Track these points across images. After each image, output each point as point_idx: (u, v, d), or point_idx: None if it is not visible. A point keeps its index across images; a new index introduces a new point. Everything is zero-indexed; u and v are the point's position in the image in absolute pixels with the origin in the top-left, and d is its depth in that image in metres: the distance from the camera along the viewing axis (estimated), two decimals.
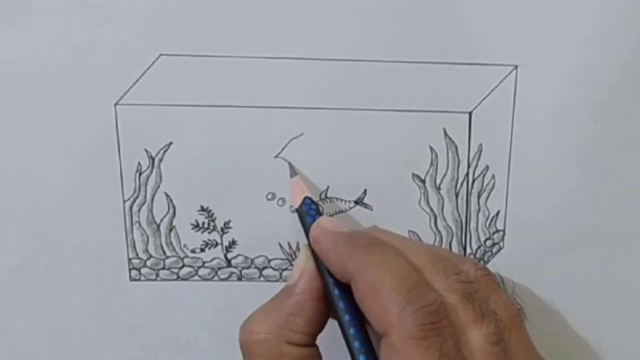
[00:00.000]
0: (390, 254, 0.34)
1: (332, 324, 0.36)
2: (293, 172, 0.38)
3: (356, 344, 0.34)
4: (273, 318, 0.35)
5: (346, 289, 0.35)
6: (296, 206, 0.37)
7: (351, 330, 0.34)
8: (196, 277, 0.41)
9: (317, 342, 0.36)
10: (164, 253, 0.40)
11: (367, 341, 0.34)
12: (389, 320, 0.32)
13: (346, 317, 0.34)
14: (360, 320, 0.34)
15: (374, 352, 0.34)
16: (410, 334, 0.31)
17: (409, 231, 0.40)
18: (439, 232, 0.40)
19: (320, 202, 0.39)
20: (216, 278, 0.41)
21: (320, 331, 0.36)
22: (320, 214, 0.37)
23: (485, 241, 0.40)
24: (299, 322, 0.35)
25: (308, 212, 0.37)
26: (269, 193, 0.39)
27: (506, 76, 0.37)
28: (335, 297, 0.35)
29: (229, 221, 0.40)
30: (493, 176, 0.39)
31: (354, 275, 0.33)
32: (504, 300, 0.35)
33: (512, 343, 0.34)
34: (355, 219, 0.40)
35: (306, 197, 0.37)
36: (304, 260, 0.36)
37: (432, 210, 0.40)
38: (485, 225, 0.40)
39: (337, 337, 0.35)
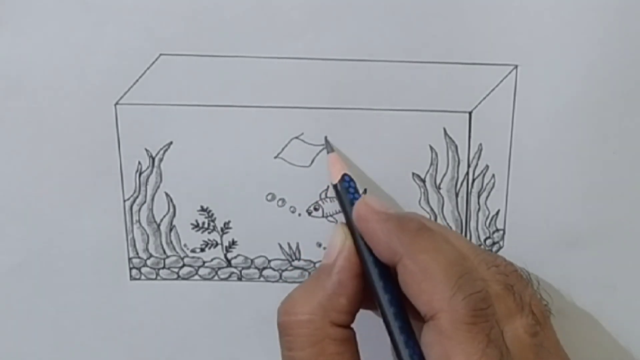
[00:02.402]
0: (440, 240, 0.34)
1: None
2: (330, 147, 0.38)
3: (397, 323, 0.34)
4: (317, 298, 0.35)
5: (385, 269, 0.35)
6: (334, 182, 0.37)
7: (392, 310, 0.34)
8: (196, 277, 0.41)
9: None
10: (164, 252, 0.40)
11: (407, 321, 0.34)
12: (439, 305, 0.32)
13: (387, 296, 0.34)
14: (400, 300, 0.34)
15: (414, 332, 0.34)
16: (461, 318, 0.31)
17: None
18: None
19: (321, 202, 0.39)
20: (216, 278, 0.41)
21: (358, 310, 0.36)
22: (358, 191, 0.37)
23: (485, 240, 0.40)
24: (342, 302, 0.35)
25: (348, 189, 0.36)
26: (269, 194, 0.39)
27: (506, 76, 0.37)
28: (375, 275, 0.35)
29: (229, 221, 0.40)
30: (493, 176, 0.39)
31: (403, 257, 0.33)
32: (535, 295, 0.35)
33: (545, 338, 0.34)
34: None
35: (345, 174, 0.37)
36: (341, 237, 0.36)
37: (432, 209, 0.40)
38: (485, 224, 0.40)
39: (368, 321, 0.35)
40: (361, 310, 0.36)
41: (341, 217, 0.39)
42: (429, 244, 0.33)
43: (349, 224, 0.36)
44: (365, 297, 0.36)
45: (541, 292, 0.37)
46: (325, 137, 0.38)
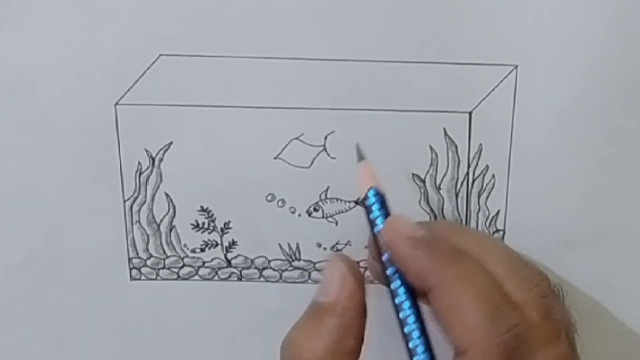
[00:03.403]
0: (471, 266, 0.33)
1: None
2: (360, 156, 0.36)
3: (422, 352, 0.33)
4: (323, 343, 0.33)
5: (411, 293, 0.33)
6: (361, 197, 0.35)
7: (418, 340, 0.33)
8: (196, 277, 0.41)
9: None
10: (164, 252, 0.40)
11: (431, 350, 0.33)
12: (470, 341, 0.31)
13: (414, 325, 0.33)
14: (424, 326, 0.33)
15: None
16: (492, 357, 0.30)
17: None
18: None
19: (321, 203, 0.39)
20: (216, 278, 0.41)
21: (362, 343, 0.34)
22: (386, 207, 0.35)
23: None
24: (350, 343, 0.34)
25: (372, 207, 0.35)
26: (269, 194, 0.39)
27: (506, 76, 0.37)
28: (402, 299, 0.33)
29: (229, 222, 0.40)
30: (493, 176, 0.39)
31: (434, 289, 0.32)
32: (568, 318, 0.34)
33: None
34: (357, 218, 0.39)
35: (371, 188, 0.35)
36: (339, 274, 0.34)
37: (432, 210, 0.40)
38: (485, 225, 0.40)
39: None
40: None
41: (340, 218, 0.39)
42: (459, 274, 0.32)
43: (375, 242, 0.35)
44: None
45: (570, 309, 0.37)
46: (357, 145, 0.36)
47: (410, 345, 0.33)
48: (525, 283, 0.33)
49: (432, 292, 0.32)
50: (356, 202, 0.39)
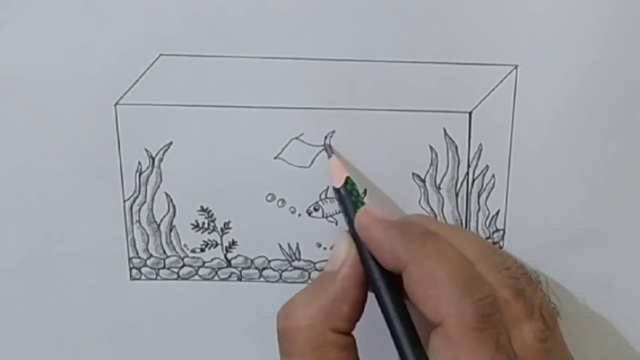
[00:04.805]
0: (445, 245, 0.34)
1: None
2: (330, 151, 0.38)
3: (404, 330, 0.34)
4: (319, 303, 0.35)
5: (390, 277, 0.35)
6: (337, 186, 0.37)
7: (398, 317, 0.34)
8: (196, 277, 0.41)
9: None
10: (164, 252, 0.40)
11: (413, 328, 0.34)
12: (446, 310, 0.32)
13: (392, 304, 0.34)
14: (404, 307, 0.34)
15: (420, 340, 0.34)
16: (469, 324, 0.31)
17: None
18: None
19: (321, 203, 0.39)
20: (216, 278, 0.41)
21: (359, 319, 0.35)
22: (361, 196, 0.37)
23: None
24: (344, 309, 0.35)
25: (350, 195, 0.36)
26: (269, 194, 0.39)
27: (506, 76, 0.37)
28: (380, 283, 0.35)
29: (229, 222, 0.40)
30: (493, 176, 0.39)
31: (409, 264, 0.33)
32: (544, 299, 0.35)
33: (554, 343, 0.34)
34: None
35: (348, 177, 0.37)
36: (346, 245, 0.36)
37: (432, 209, 0.40)
38: (485, 224, 0.40)
39: (371, 328, 0.35)
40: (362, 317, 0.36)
41: (340, 218, 0.39)
42: (433, 249, 0.33)
43: (352, 230, 0.36)
44: (364, 305, 0.36)
45: (550, 295, 0.37)
46: (325, 142, 0.38)
47: (392, 327, 0.34)
48: (495, 265, 0.34)
49: (407, 269, 0.33)
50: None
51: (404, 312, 0.34)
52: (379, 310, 0.35)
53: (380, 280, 0.35)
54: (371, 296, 0.36)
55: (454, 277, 0.32)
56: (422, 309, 0.33)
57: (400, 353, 0.34)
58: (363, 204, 0.36)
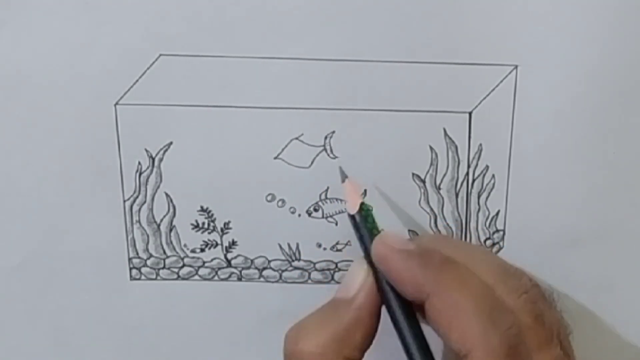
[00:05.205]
0: (465, 273, 0.33)
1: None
2: (344, 175, 0.37)
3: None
4: (332, 331, 0.34)
5: (408, 307, 0.34)
6: (351, 212, 0.36)
7: (417, 349, 0.33)
8: (196, 277, 0.41)
9: None
10: (164, 252, 0.40)
11: (432, 358, 0.34)
12: (472, 342, 0.31)
13: (411, 335, 0.34)
14: (424, 339, 0.34)
15: None
16: (497, 355, 0.31)
17: (409, 230, 0.40)
18: (439, 232, 0.40)
19: (321, 203, 0.39)
20: (216, 278, 0.41)
21: (368, 348, 0.35)
22: (376, 223, 0.36)
23: (485, 241, 0.40)
24: (357, 338, 0.34)
25: (365, 221, 0.36)
26: (268, 194, 0.39)
27: (506, 76, 0.37)
28: (399, 314, 0.34)
29: (229, 222, 0.40)
30: (493, 176, 0.39)
31: (431, 295, 0.33)
32: (560, 321, 0.35)
33: None
34: None
35: (362, 203, 0.36)
36: (364, 273, 0.35)
37: (432, 210, 0.40)
38: (485, 225, 0.40)
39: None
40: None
41: (340, 218, 0.39)
42: (454, 278, 0.33)
43: (368, 257, 0.35)
44: (375, 334, 0.35)
45: (562, 312, 0.37)
46: (340, 167, 0.37)
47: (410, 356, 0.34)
48: (515, 289, 0.33)
49: (429, 300, 0.33)
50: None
51: (424, 343, 0.34)
52: (386, 336, 0.35)
53: (398, 310, 0.34)
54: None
55: (478, 307, 0.32)
56: (447, 339, 0.32)
57: None
58: (379, 231, 0.35)
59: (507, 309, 0.33)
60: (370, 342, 0.35)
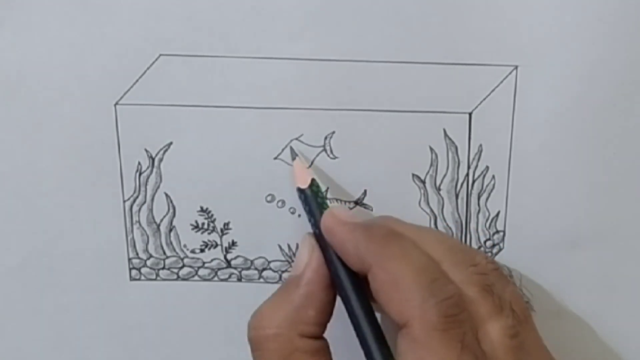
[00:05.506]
0: (408, 246, 0.34)
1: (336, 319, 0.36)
2: (294, 154, 0.38)
3: (370, 332, 0.34)
4: (283, 311, 0.35)
5: (356, 278, 0.34)
6: (302, 187, 0.37)
7: (364, 319, 0.34)
8: (196, 277, 0.41)
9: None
10: (164, 253, 0.40)
11: (380, 330, 0.34)
12: (411, 312, 0.31)
13: (358, 306, 0.34)
14: (371, 309, 0.34)
15: (387, 342, 0.34)
16: (433, 325, 0.31)
17: None
18: None
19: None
20: (216, 278, 0.41)
21: (328, 321, 0.35)
22: (326, 199, 0.37)
23: (485, 242, 0.40)
24: (310, 314, 0.35)
25: (316, 196, 0.36)
26: (268, 195, 0.39)
27: (506, 76, 0.37)
28: (346, 285, 0.35)
29: (229, 222, 0.40)
30: (493, 177, 0.39)
31: (373, 267, 0.33)
32: (516, 293, 0.35)
33: (526, 337, 0.34)
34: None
35: (313, 179, 0.37)
36: (309, 249, 0.36)
37: (432, 210, 0.39)
38: (485, 226, 0.40)
39: (344, 331, 0.35)
40: (334, 321, 0.36)
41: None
42: (397, 251, 0.33)
43: (318, 231, 0.36)
44: (334, 307, 0.36)
45: (522, 289, 0.37)
46: (291, 147, 0.38)
47: (359, 330, 0.34)
48: (462, 262, 0.34)
49: (371, 271, 0.33)
50: (356, 202, 0.39)
51: (371, 314, 0.34)
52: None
53: (346, 282, 0.35)
54: None
55: (417, 278, 0.32)
56: (387, 311, 0.33)
57: (367, 355, 0.34)
58: (328, 206, 0.36)
59: (450, 281, 0.33)
60: (329, 316, 0.35)
